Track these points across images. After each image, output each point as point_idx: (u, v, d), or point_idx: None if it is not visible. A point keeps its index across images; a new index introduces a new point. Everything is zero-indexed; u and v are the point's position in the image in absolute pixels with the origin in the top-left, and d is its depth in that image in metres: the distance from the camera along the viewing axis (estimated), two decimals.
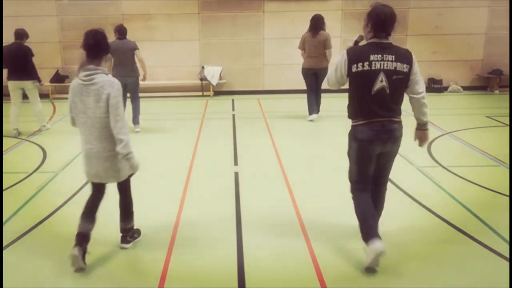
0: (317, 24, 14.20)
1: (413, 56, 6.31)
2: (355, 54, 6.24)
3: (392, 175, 9.67)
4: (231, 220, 7.85)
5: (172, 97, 19.76)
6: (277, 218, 7.94)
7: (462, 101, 18.40)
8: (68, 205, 8.51)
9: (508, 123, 13.94)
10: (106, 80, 6.02)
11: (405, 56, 6.25)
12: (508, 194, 8.71)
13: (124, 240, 6.94)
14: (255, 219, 7.90)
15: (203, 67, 19.86)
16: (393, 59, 6.16)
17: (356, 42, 6.57)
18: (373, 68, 6.13)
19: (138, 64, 13.68)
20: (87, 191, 6.65)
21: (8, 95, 13.72)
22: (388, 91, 6.20)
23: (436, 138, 12.66)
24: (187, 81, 20.16)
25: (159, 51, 19.45)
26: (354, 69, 6.21)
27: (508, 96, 18.33)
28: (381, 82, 6.14)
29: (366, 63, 6.15)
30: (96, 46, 6.08)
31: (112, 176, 6.48)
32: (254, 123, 15.00)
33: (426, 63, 20.18)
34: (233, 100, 19.22)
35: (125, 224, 6.94)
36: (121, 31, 13.63)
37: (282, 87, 19.79)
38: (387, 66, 6.14)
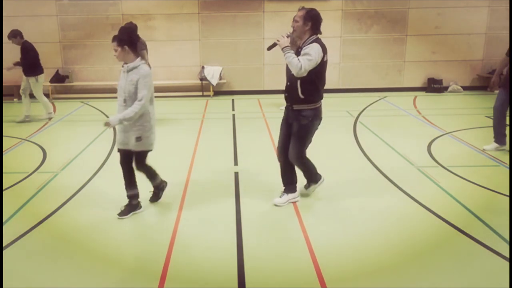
0: None
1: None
2: (323, 46, 7.64)
3: (392, 174, 9.75)
4: (231, 220, 7.86)
5: (172, 97, 19.74)
6: (277, 218, 7.95)
7: (462, 101, 18.39)
8: (68, 205, 8.52)
9: (508, 123, 13.91)
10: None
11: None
12: (508, 194, 8.72)
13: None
14: (255, 219, 7.91)
15: (203, 67, 19.86)
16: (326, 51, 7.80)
17: (287, 36, 7.81)
18: (326, 59, 7.76)
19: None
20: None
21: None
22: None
23: (436, 138, 12.67)
24: (187, 81, 20.15)
25: (159, 51, 19.44)
26: (325, 59, 7.69)
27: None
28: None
29: (326, 55, 7.73)
30: (137, 39, 8.05)
31: None
32: (254, 123, 15.01)
33: (426, 63, 20.21)
34: (233, 100, 19.22)
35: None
36: None
37: (282, 87, 19.62)
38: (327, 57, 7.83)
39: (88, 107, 17.55)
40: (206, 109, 17.43)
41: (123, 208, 7.99)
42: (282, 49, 7.73)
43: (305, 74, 7.51)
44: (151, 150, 7.96)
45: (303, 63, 7.40)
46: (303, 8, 7.90)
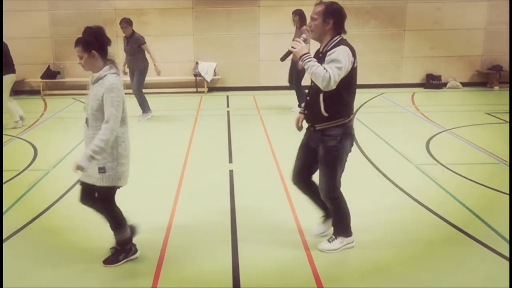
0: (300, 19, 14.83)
1: None
2: (352, 49, 6.22)
3: (390, 172, 9.74)
4: (225, 219, 7.84)
5: (166, 93, 19.73)
6: (273, 217, 7.93)
7: (461, 98, 18.40)
8: (59, 203, 8.49)
9: (508, 120, 13.94)
10: None
11: None
12: (508, 192, 8.71)
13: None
14: (250, 218, 7.89)
15: (197, 63, 19.85)
16: None
17: (304, 41, 6.31)
18: (357, 63, 6.33)
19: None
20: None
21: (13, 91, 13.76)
22: None
23: (435, 135, 12.68)
24: (180, 77, 20.15)
25: (152, 46, 19.30)
26: (355, 64, 6.26)
27: (508, 93, 18.32)
28: None
29: (356, 59, 6.28)
30: (108, 44, 6.17)
31: None
32: (249, 119, 14.99)
33: (424, 59, 20.20)
34: (227, 96, 19.20)
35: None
36: None
37: (278, 83, 19.67)
38: None
39: (80, 104, 17.47)
40: (200, 106, 17.41)
41: (111, 253, 6.58)
42: (300, 57, 6.12)
43: (334, 87, 6.00)
44: (119, 187, 6.34)
45: (332, 73, 5.90)
46: (321, 2, 6.34)
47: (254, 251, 6.79)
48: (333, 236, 6.80)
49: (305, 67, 6.06)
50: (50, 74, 19.63)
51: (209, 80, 19.76)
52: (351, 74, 6.21)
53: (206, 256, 6.68)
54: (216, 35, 19.91)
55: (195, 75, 19.82)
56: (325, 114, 6.25)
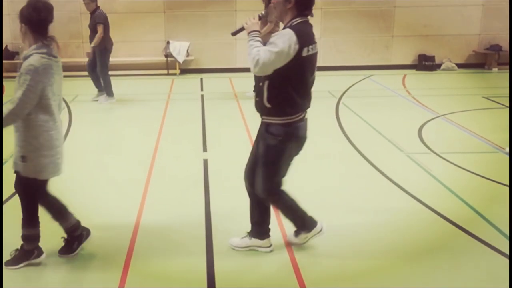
0: None
1: None
2: (305, 34, 5.84)
3: (378, 162, 9.76)
4: (199, 213, 7.83)
5: (133, 76, 19.64)
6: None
7: (456, 80, 18.49)
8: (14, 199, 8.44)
9: (507, 104, 13.97)
10: None
11: None
12: (507, 183, 8.75)
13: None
14: (226, 211, 7.89)
15: (168, 42, 19.76)
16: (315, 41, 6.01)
17: (260, 18, 6.14)
18: (316, 51, 5.99)
19: None
20: None
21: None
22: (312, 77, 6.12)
23: (428, 121, 12.71)
24: (150, 58, 20.07)
25: (118, 24, 19.20)
26: (304, 53, 5.79)
27: (507, 75, 18.28)
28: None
29: (313, 46, 5.92)
30: (46, 20, 5.94)
31: None
32: (225, 104, 15.01)
33: (416, 38, 20.24)
34: (201, 79, 19.18)
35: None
36: None
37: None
38: (316, 49, 6.03)
39: None
40: (171, 89, 17.40)
41: (13, 254, 6.43)
42: (248, 34, 6.15)
43: (266, 72, 5.78)
44: (45, 180, 6.23)
45: (263, 56, 5.66)
46: None
47: (231, 249, 6.76)
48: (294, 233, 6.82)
49: (248, 45, 5.97)
50: (8, 54, 19.40)
51: (181, 61, 19.69)
52: (299, 66, 5.84)
53: (177, 253, 6.67)
54: (189, 12, 19.81)
55: (166, 56, 19.74)
56: (267, 105, 5.98)
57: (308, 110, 6.14)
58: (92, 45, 14.81)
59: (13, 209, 6.95)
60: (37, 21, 5.83)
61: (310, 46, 5.84)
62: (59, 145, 6.11)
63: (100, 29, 14.54)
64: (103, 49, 14.77)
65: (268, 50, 5.65)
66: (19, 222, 6.27)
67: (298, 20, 5.84)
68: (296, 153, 6.30)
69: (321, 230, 6.71)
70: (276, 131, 6.00)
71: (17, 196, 6.31)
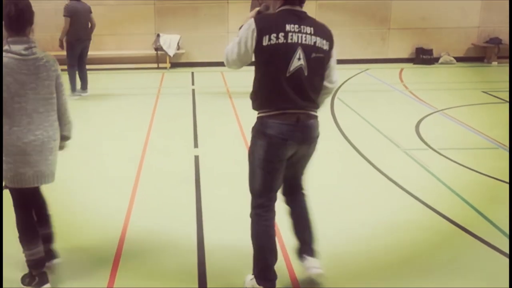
0: None
1: (333, 34, 5.66)
2: (267, 22, 5.44)
3: (375, 159, 9.74)
4: (190, 210, 7.82)
5: (122, 70, 19.61)
6: (243, 208, 7.88)
7: (455, 74, 18.51)
8: None
9: (507, 99, 14.01)
10: (49, 55, 5.73)
11: (325, 31, 5.60)
12: (507, 180, 8.76)
13: (51, 252, 6.26)
14: (218, 209, 7.89)
15: (158, 35, 19.74)
16: (312, 32, 5.45)
17: (259, 13, 5.73)
18: (289, 41, 5.37)
19: None
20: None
21: None
22: (306, 73, 5.46)
23: (425, 116, 12.72)
24: (139, 52, 20.06)
25: (107, 16, 19.20)
26: (265, 42, 5.37)
27: (507, 69, 18.31)
28: (298, 60, 5.39)
29: (281, 34, 5.35)
30: (21, 16, 5.78)
31: (53, 173, 5.91)
32: (217, 99, 15.01)
33: (413, 31, 20.26)
34: (192, 73, 19.19)
35: (49, 229, 6.24)
36: None
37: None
38: (305, 40, 5.41)
39: None
40: (161, 84, 17.40)
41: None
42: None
43: (235, 64, 5.63)
44: (16, 190, 5.86)
45: (227, 48, 5.61)
46: None
47: (222, 247, 6.77)
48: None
49: None
50: None
51: (171, 55, 19.69)
52: (264, 57, 5.48)
53: (168, 251, 6.67)
54: (179, 4, 19.80)
55: (156, 49, 19.74)
56: (250, 96, 5.74)
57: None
58: (59, 37, 14.91)
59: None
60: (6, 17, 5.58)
61: (274, 35, 5.35)
62: (20, 153, 5.62)
63: (64, 22, 14.61)
64: (68, 42, 14.83)
65: (232, 42, 5.54)
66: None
67: (279, 9, 5.54)
68: (274, 159, 5.63)
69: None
70: (253, 126, 5.69)
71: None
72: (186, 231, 7.19)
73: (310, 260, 5.90)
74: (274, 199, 5.79)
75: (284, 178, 5.87)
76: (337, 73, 5.77)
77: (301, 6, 5.52)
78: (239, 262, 6.38)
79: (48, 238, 6.18)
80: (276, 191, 5.82)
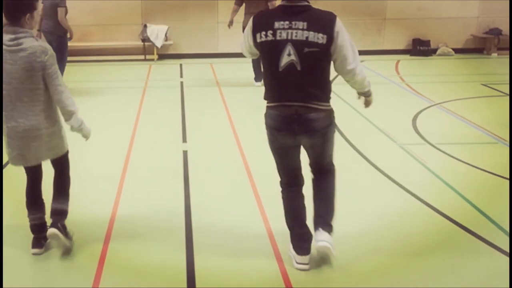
0: None
1: (337, 23, 5.93)
2: (260, 20, 6.00)
3: (370, 153, 9.76)
4: (178, 208, 7.81)
5: (108, 62, 19.58)
6: (234, 204, 7.91)
7: (453, 66, 18.54)
8: None
9: (507, 92, 14.01)
10: (37, 46, 5.91)
11: (322, 24, 5.85)
12: (507, 176, 8.77)
13: (55, 225, 6.57)
14: (207, 206, 7.87)
15: (145, 26, 19.71)
16: (304, 27, 5.76)
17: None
18: (277, 38, 5.79)
19: None
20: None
21: None
22: (299, 68, 5.82)
23: (423, 110, 12.73)
24: (126, 43, 20.03)
25: (92, 6, 19.18)
26: (258, 39, 5.93)
27: (507, 60, 18.31)
28: (288, 56, 5.78)
29: (269, 32, 5.82)
30: (16, 5, 5.91)
31: (45, 155, 6.47)
32: (206, 92, 15.03)
33: (410, 21, 20.26)
34: (181, 65, 19.17)
35: (59, 204, 6.76)
36: None
37: (239, 50, 19.57)
38: (295, 36, 5.76)
39: None
40: (149, 76, 17.40)
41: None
42: None
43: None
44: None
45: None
46: None
47: (212, 245, 6.76)
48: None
49: None
50: None
51: (159, 46, 19.66)
52: (260, 52, 6.09)
53: (155, 252, 6.64)
54: None
55: (143, 40, 19.71)
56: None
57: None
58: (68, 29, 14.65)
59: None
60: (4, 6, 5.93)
61: (263, 32, 5.86)
62: (6, 135, 6.27)
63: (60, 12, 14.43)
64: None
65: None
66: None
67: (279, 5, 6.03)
68: (280, 146, 6.22)
69: (300, 265, 6.31)
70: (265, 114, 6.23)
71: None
72: (174, 228, 7.19)
73: (321, 233, 6.25)
74: (295, 177, 6.48)
75: (309, 159, 6.50)
76: (351, 60, 6.16)
77: (301, 0, 5.95)
78: (228, 261, 6.39)
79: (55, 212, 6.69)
80: (294, 172, 6.45)
